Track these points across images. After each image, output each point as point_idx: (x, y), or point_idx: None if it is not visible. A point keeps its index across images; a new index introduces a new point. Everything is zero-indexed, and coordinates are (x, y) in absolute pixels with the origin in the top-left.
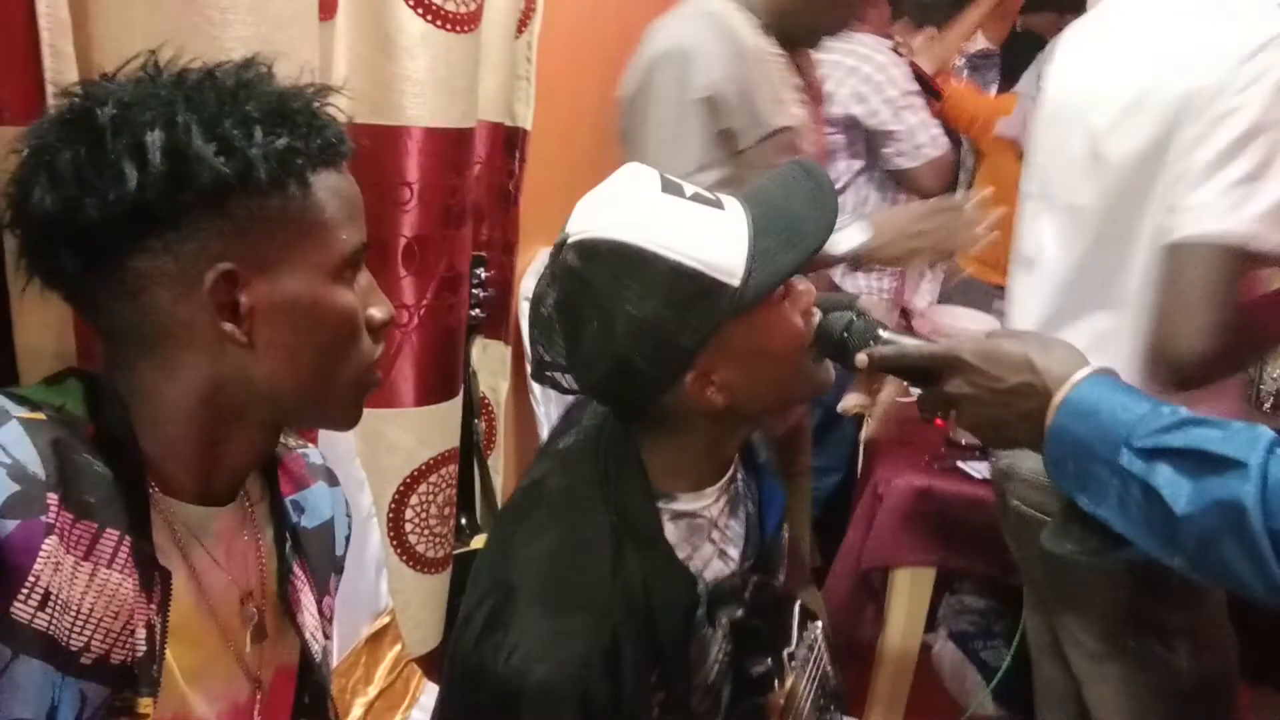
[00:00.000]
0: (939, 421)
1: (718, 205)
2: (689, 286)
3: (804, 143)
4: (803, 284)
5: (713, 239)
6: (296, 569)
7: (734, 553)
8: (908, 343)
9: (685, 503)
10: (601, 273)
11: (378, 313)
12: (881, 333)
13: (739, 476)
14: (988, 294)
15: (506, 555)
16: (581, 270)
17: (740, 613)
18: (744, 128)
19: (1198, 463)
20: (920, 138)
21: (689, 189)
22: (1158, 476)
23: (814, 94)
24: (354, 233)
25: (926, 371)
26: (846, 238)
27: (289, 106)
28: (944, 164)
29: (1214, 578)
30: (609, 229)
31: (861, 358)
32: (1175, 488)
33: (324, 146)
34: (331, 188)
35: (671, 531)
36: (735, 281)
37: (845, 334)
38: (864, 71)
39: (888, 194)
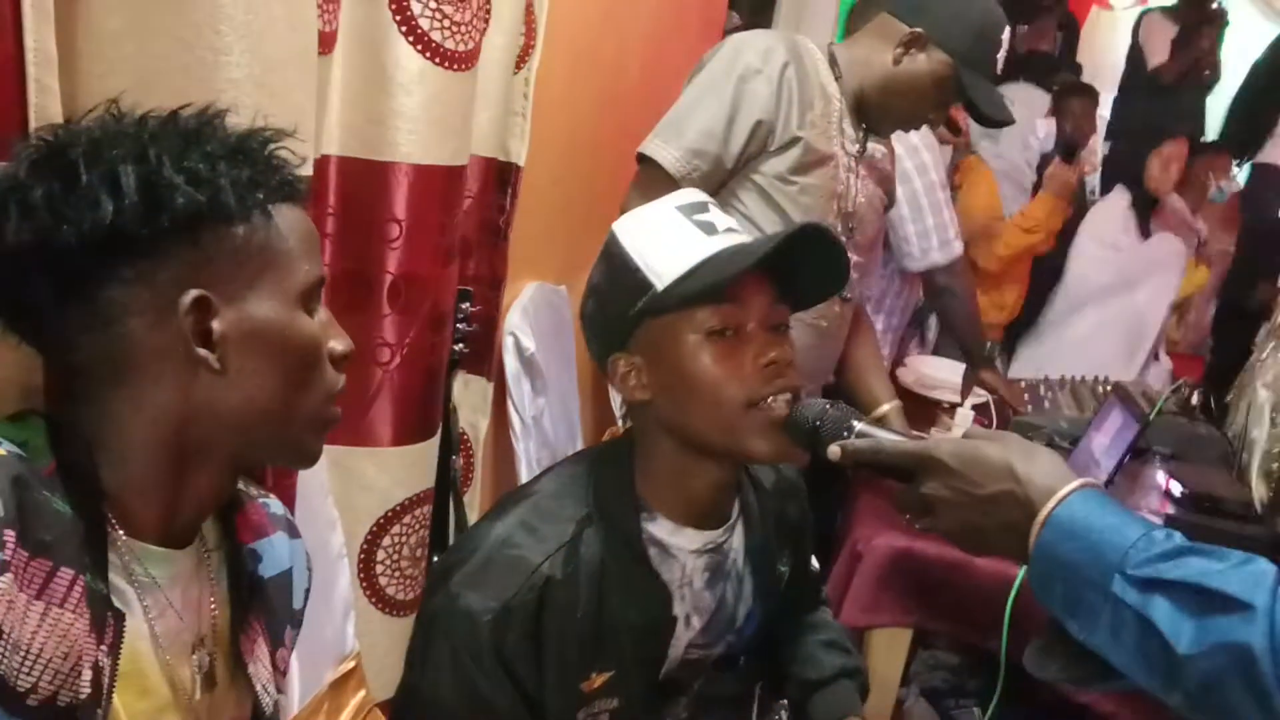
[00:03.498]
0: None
1: (710, 233)
2: (626, 277)
3: (849, 203)
4: (762, 337)
5: (668, 250)
6: (251, 619)
7: (698, 623)
8: (883, 437)
9: (661, 529)
10: (602, 248)
11: (338, 345)
12: (855, 424)
13: (731, 556)
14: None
15: (476, 527)
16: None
17: (685, 714)
18: (776, 126)
19: (1199, 600)
20: (931, 242)
21: (706, 217)
22: (1156, 611)
23: (878, 176)
24: (314, 266)
25: (903, 469)
26: None
27: (247, 145)
28: (955, 268)
29: (1214, 718)
30: (621, 219)
31: (834, 450)
32: (1176, 626)
33: (283, 181)
34: (291, 221)
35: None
36: (660, 285)
37: (818, 423)
38: (893, 152)
39: (900, 283)
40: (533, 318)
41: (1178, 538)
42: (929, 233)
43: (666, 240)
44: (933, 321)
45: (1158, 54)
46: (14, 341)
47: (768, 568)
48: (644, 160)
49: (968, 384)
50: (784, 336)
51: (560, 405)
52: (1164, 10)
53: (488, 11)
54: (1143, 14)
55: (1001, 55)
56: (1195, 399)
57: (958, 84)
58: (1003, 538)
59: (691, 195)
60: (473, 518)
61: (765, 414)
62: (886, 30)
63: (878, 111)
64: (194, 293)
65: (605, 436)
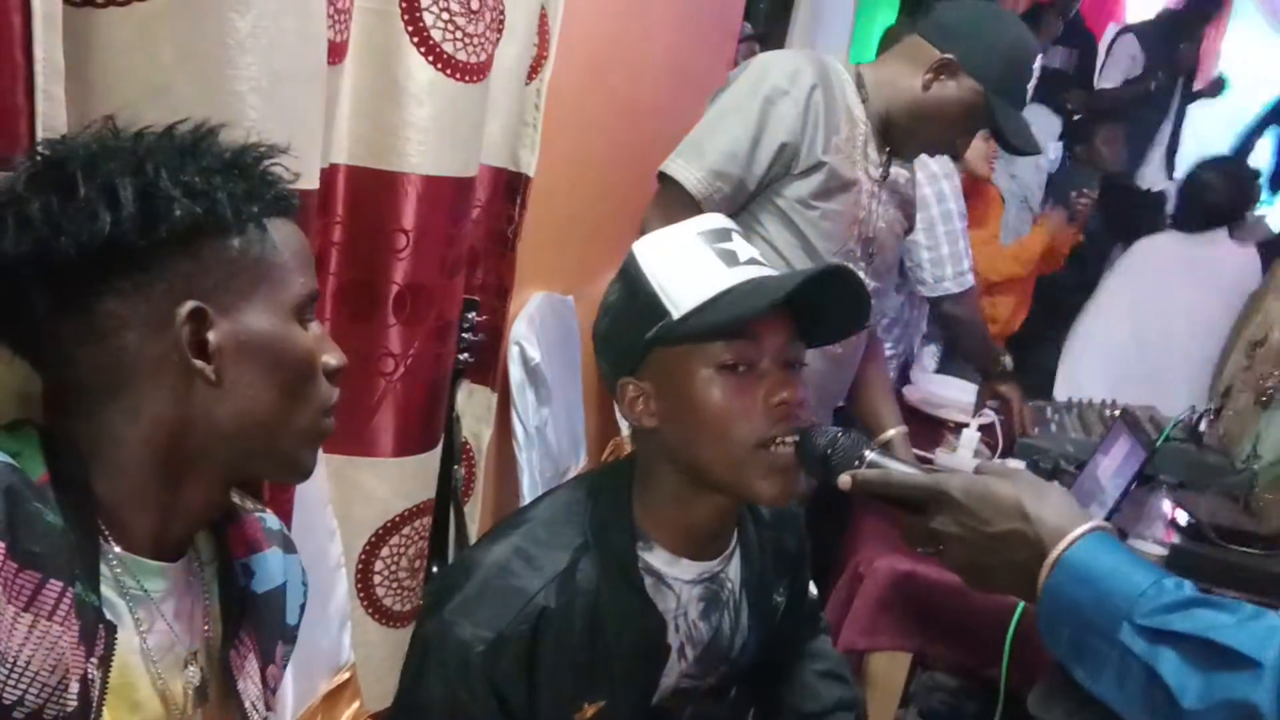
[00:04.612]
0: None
1: (731, 263)
2: (642, 300)
3: (870, 228)
4: (775, 375)
5: (687, 278)
6: (241, 634)
7: (691, 653)
8: (895, 469)
9: (659, 559)
10: (621, 267)
11: (331, 359)
12: (867, 453)
13: (728, 586)
14: None
15: (472, 552)
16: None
17: None
18: (801, 150)
19: (1207, 654)
20: (945, 270)
21: (730, 246)
22: (1163, 663)
23: (899, 200)
24: (308, 279)
25: (913, 501)
26: None
27: (243, 160)
28: (965, 299)
29: None
30: (643, 240)
31: (845, 479)
32: (1182, 680)
33: (278, 196)
34: (285, 235)
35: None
36: (676, 314)
37: (829, 451)
38: (914, 176)
39: (909, 306)
40: (538, 328)
41: (1188, 587)
42: (943, 261)
43: (686, 268)
44: (931, 350)
45: (1111, 78)
46: (8, 356)
47: (764, 598)
48: (665, 179)
49: (982, 396)
50: (797, 375)
51: (564, 416)
52: (1138, 32)
53: (500, 24)
54: (1119, 32)
55: (1031, 85)
56: (1203, 426)
57: (987, 112)
58: (1011, 577)
59: (715, 221)
60: (473, 528)
61: (772, 456)
62: (916, 54)
63: (904, 135)
64: (191, 304)
65: (609, 448)
